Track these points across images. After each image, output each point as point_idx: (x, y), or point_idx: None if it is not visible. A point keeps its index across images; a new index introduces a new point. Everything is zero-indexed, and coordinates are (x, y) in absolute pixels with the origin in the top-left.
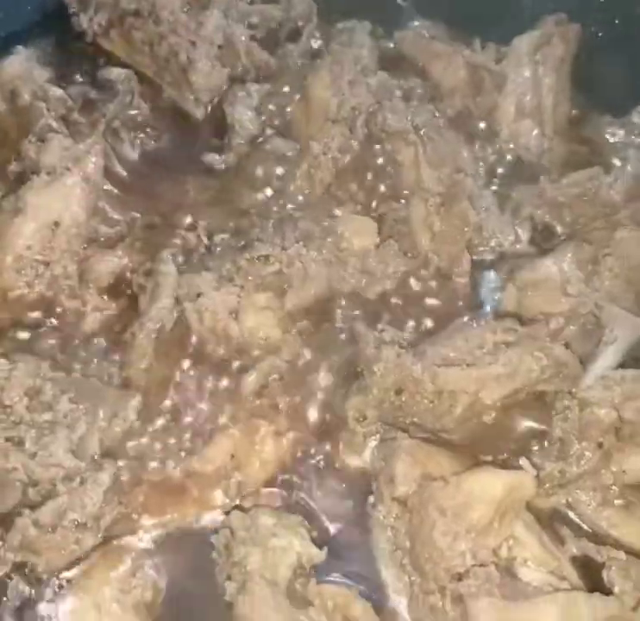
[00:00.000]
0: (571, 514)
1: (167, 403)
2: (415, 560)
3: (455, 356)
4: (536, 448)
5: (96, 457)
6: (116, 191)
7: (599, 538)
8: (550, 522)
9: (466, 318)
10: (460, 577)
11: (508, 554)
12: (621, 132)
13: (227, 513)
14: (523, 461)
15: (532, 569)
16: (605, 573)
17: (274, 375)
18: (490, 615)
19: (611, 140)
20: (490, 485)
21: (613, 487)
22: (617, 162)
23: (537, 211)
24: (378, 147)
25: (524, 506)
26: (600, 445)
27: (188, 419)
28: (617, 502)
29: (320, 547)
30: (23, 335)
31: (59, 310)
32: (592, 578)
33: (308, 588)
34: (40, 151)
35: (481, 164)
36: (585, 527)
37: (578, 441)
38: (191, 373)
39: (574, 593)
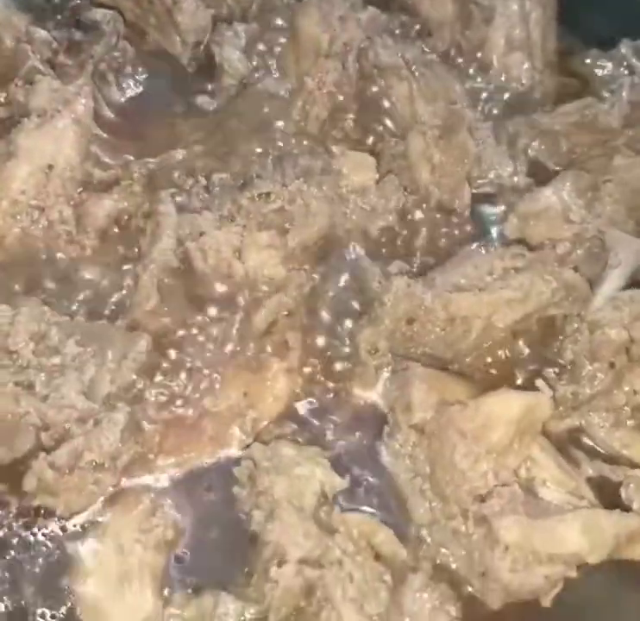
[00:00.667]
0: (584, 438)
1: (176, 343)
2: (435, 485)
3: (466, 283)
4: (548, 372)
5: (108, 399)
6: (105, 135)
7: (612, 459)
8: (564, 445)
9: (474, 246)
10: (482, 498)
11: (528, 474)
12: (609, 65)
13: (247, 447)
14: (539, 382)
15: (552, 489)
16: (623, 491)
17: (283, 312)
18: (515, 532)
19: (600, 73)
20: (509, 405)
21: (625, 408)
22: (606, 94)
23: (533, 142)
24: (371, 83)
25: (540, 430)
26: (612, 365)
27: (198, 359)
28: (629, 423)
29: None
30: (24, 280)
31: (58, 255)
32: (607, 498)
33: (332, 517)
34: (28, 94)
35: (474, 97)
36: (598, 449)
37: (589, 362)
38: (198, 313)
39: (595, 510)
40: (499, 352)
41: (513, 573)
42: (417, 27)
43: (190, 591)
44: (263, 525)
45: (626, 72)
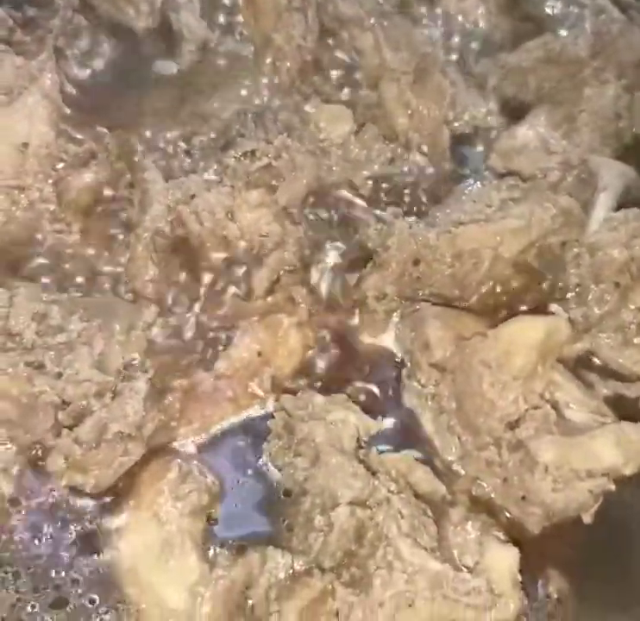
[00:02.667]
0: (595, 360)
1: (182, 309)
2: (464, 419)
3: (467, 218)
4: (555, 299)
5: (122, 370)
6: (72, 111)
7: (625, 378)
8: (576, 369)
9: (468, 182)
10: (514, 425)
11: (552, 398)
12: (559, 4)
13: (273, 401)
14: (554, 307)
15: (576, 410)
16: None
17: (284, 268)
18: (553, 452)
19: (551, 12)
20: (529, 330)
21: (631, 326)
22: (563, 32)
23: (503, 81)
24: (333, 36)
25: (559, 353)
26: (617, 285)
27: (207, 323)
28: (636, 340)
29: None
30: (17, 263)
31: (45, 234)
32: (625, 414)
33: (370, 458)
34: None
35: (436, 43)
36: (609, 369)
37: (594, 284)
38: (200, 277)
39: (622, 423)
40: (504, 285)
41: (556, 493)
42: None
43: (233, 551)
44: (308, 472)
45: (576, 8)
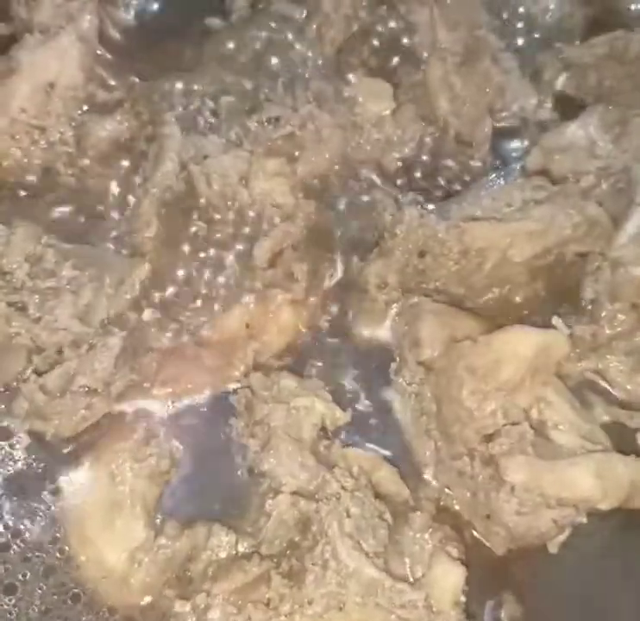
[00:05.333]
0: (601, 382)
1: (178, 271)
2: (442, 424)
3: (482, 215)
4: (566, 311)
5: (104, 324)
6: (110, 56)
7: (630, 406)
8: (579, 388)
9: (492, 177)
10: (490, 438)
11: (539, 416)
12: None
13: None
14: (556, 321)
15: (565, 432)
16: (639, 436)
17: (288, 242)
18: (524, 472)
19: (634, 7)
20: (522, 342)
21: None
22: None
23: (560, 75)
24: (391, 8)
25: (554, 370)
26: (635, 306)
27: (200, 288)
28: None
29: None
30: (23, 201)
31: (58, 177)
32: (623, 445)
33: (332, 451)
34: (30, 10)
35: (501, 27)
36: (615, 394)
37: (610, 302)
38: (202, 240)
39: (610, 454)
40: (515, 289)
41: (519, 516)
42: None
43: (182, 523)
44: (259, 454)
45: None
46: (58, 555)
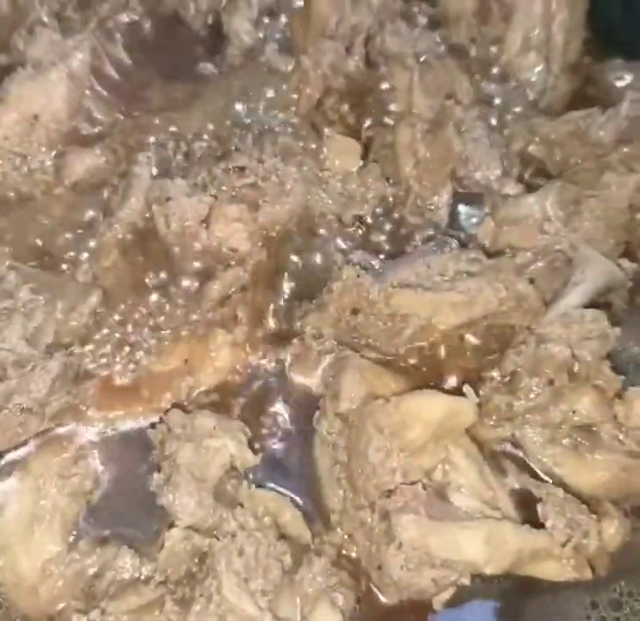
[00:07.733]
0: (517, 451)
1: (128, 302)
2: (350, 475)
3: (414, 281)
4: (486, 379)
5: (49, 348)
6: (104, 92)
7: (541, 477)
8: (494, 454)
9: (432, 245)
10: (389, 494)
11: (443, 478)
12: (629, 77)
13: (165, 412)
14: (466, 388)
15: (465, 496)
16: (539, 507)
17: (238, 286)
18: (412, 531)
19: (618, 84)
20: (429, 406)
21: (562, 426)
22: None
23: (529, 147)
24: (375, 69)
25: (464, 433)
26: (551, 382)
27: (145, 320)
28: (565, 441)
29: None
30: None
31: (31, 203)
32: (528, 514)
33: (239, 490)
34: (27, 44)
35: (481, 95)
36: (529, 464)
37: (529, 376)
38: (154, 276)
39: (502, 522)
40: (441, 353)
41: (403, 571)
42: (434, 16)
43: (96, 542)
44: (161, 487)
45: None
46: None
